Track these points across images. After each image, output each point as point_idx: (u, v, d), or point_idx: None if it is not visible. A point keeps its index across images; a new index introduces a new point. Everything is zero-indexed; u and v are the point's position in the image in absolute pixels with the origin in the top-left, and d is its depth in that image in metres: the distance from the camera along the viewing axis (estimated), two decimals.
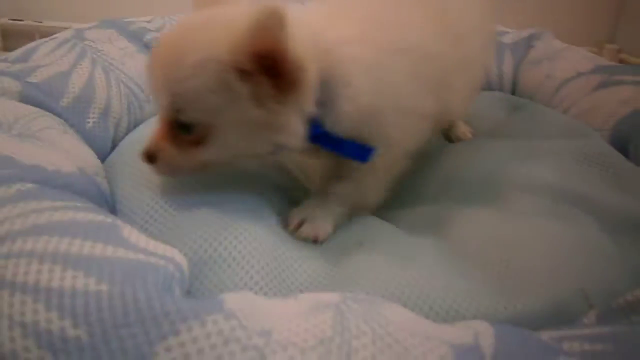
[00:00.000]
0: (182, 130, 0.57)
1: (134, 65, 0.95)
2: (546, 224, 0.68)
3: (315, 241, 0.63)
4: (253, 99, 0.55)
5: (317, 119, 0.61)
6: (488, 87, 1.25)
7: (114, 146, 0.83)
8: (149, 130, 0.63)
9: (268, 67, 0.53)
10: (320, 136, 0.62)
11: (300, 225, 0.63)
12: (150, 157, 0.59)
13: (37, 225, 0.42)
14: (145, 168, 0.63)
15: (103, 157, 0.79)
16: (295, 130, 0.58)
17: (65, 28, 1.65)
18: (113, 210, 0.65)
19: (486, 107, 1.12)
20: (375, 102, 0.62)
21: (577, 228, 0.68)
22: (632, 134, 0.89)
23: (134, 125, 0.90)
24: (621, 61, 1.83)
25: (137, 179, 0.68)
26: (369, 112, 0.62)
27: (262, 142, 0.58)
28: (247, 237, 0.58)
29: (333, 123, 0.62)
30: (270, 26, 0.49)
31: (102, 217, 0.47)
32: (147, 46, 1.04)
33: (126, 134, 0.87)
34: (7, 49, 1.67)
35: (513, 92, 1.24)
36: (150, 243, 0.47)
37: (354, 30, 0.63)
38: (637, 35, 1.80)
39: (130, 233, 0.47)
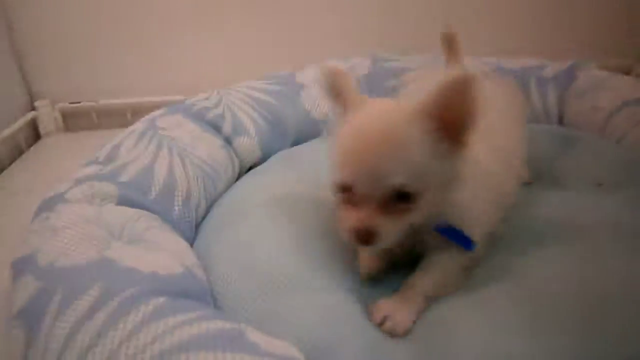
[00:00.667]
0: (399, 200, 0.63)
1: (204, 146, 1.03)
2: (628, 266, 0.71)
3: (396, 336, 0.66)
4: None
5: None
6: (536, 121, 1.27)
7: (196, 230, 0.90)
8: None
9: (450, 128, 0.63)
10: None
11: (383, 320, 0.66)
12: (370, 236, 0.63)
13: (182, 342, 0.48)
14: (241, 249, 0.73)
15: (190, 243, 0.86)
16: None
17: (119, 104, 1.77)
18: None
19: (539, 140, 1.14)
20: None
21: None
22: None
23: (210, 205, 0.97)
24: None
25: (232, 263, 0.75)
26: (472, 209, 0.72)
27: (442, 200, 0.67)
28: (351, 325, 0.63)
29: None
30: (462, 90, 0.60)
31: (229, 325, 0.53)
32: (209, 124, 1.12)
33: (204, 216, 0.94)
34: (69, 129, 1.78)
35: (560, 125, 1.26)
36: (271, 343, 0.52)
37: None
38: None
39: (256, 336, 0.52)
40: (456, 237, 0.71)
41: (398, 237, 0.65)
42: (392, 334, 0.65)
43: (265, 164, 1.13)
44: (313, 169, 1.06)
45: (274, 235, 0.79)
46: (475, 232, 0.72)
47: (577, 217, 0.84)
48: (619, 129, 1.08)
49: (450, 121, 0.62)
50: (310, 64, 1.41)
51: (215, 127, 1.12)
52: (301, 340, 0.60)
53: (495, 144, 0.80)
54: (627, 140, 1.05)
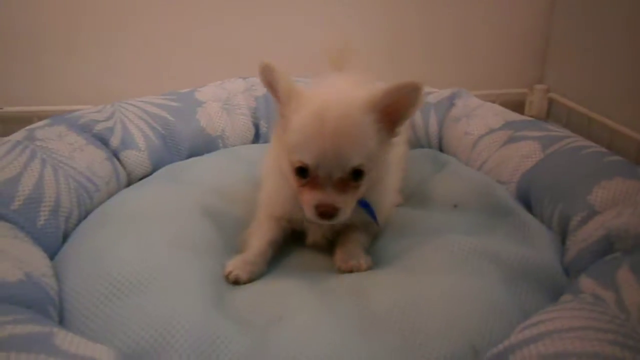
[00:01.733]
0: (354, 179, 0.77)
1: (84, 158, 1.04)
2: (453, 281, 0.78)
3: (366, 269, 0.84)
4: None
5: None
6: (418, 144, 1.37)
7: (65, 238, 0.91)
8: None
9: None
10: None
11: (355, 265, 0.83)
12: (334, 211, 0.76)
13: None
14: (97, 259, 0.77)
15: (55, 251, 0.87)
16: None
17: (24, 111, 1.73)
18: (61, 307, 0.73)
19: (417, 163, 1.24)
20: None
21: (480, 281, 0.78)
22: (532, 187, 1.00)
23: (85, 215, 0.99)
24: (551, 100, 1.98)
25: (87, 271, 0.77)
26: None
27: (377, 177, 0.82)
28: (183, 326, 0.66)
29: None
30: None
31: (39, 328, 0.55)
32: (96, 136, 1.13)
33: (77, 224, 0.95)
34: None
35: (440, 147, 1.35)
36: (81, 345, 0.55)
37: None
38: (563, 76, 1.96)
39: (64, 339, 0.55)
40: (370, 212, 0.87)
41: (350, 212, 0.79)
42: (367, 268, 0.83)
43: (150, 177, 1.16)
44: (195, 180, 1.11)
45: (129, 241, 0.82)
46: (384, 209, 0.91)
47: (424, 237, 0.91)
48: (483, 154, 1.18)
49: (392, 114, 0.78)
50: (211, 83, 1.45)
51: (101, 140, 1.14)
52: (133, 344, 0.64)
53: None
54: (488, 164, 1.15)
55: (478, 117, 1.26)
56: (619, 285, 0.65)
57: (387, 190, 0.93)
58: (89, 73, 1.74)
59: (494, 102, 1.41)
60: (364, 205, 0.86)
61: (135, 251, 0.80)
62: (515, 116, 1.25)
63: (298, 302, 0.76)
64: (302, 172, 0.78)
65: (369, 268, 0.85)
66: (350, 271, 0.84)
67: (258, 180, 0.99)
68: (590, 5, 1.73)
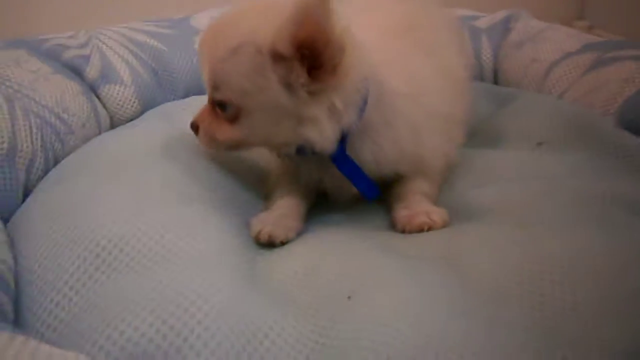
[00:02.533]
0: (219, 107, 0.62)
1: (50, 90, 0.78)
2: (588, 237, 0.53)
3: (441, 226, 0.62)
4: (285, 86, 0.57)
5: (345, 137, 0.62)
6: None
7: (26, 194, 0.67)
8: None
9: (307, 55, 0.56)
10: (338, 157, 0.63)
11: (427, 219, 0.62)
12: (194, 127, 0.66)
13: None
14: (71, 218, 0.54)
15: (11, 211, 0.63)
16: (324, 129, 0.59)
17: None
18: (17, 293, 0.49)
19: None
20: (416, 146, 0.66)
21: (630, 235, 0.54)
22: None
23: (54, 163, 0.73)
24: None
25: (56, 237, 0.53)
26: (411, 155, 0.67)
27: (288, 131, 0.60)
28: (205, 314, 0.43)
29: (368, 156, 0.64)
30: (315, 12, 0.52)
31: None
32: (67, 66, 0.87)
33: (43, 175, 0.70)
34: None
35: (495, 82, 1.11)
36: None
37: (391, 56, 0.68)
38: (606, 10, 1.72)
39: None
40: (363, 185, 0.65)
41: (226, 146, 0.65)
42: (443, 225, 0.62)
43: (138, 119, 0.90)
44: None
45: (116, 192, 0.58)
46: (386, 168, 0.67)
47: (516, 183, 0.68)
48: (561, 82, 0.94)
49: (306, 50, 0.55)
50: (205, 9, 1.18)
51: (74, 70, 0.88)
52: (129, 344, 0.40)
53: (443, 64, 0.74)
54: (570, 94, 0.91)
55: (548, 41, 1.01)
56: None
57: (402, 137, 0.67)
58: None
59: None
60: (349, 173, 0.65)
61: (125, 205, 0.56)
62: (592, 38, 1.00)
63: (366, 272, 0.52)
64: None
65: (446, 224, 0.62)
66: (420, 230, 0.61)
67: None
68: None
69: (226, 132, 0.63)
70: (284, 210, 0.64)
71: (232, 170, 0.71)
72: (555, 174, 0.69)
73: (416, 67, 0.70)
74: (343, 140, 0.62)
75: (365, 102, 0.61)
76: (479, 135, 0.89)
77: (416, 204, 0.65)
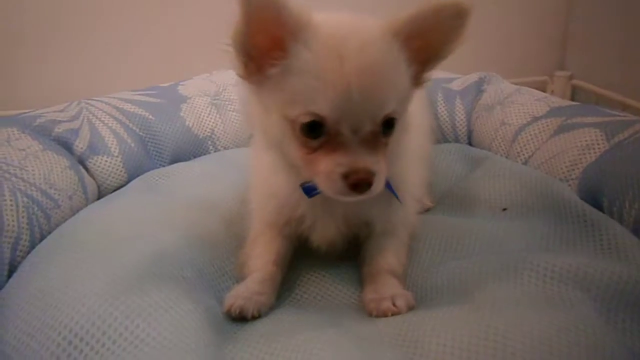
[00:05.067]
0: (384, 133, 0.57)
1: (39, 167, 0.83)
2: (533, 318, 0.55)
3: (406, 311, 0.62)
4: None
5: None
6: (444, 138, 1.16)
7: (12, 271, 0.70)
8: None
9: None
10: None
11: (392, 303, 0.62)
12: (369, 179, 0.55)
13: None
14: (48, 301, 0.56)
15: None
16: None
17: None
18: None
19: (445, 162, 1.04)
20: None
21: (569, 315, 0.56)
22: (603, 183, 0.80)
23: (40, 238, 0.77)
24: (574, 87, 1.80)
25: (35, 318, 0.56)
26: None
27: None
28: None
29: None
30: None
31: None
32: (57, 140, 0.92)
33: (29, 251, 0.74)
34: None
35: (470, 143, 1.15)
36: None
37: None
38: (587, 61, 1.77)
39: None
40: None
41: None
42: (409, 309, 0.61)
43: (122, 189, 0.95)
44: (178, 192, 0.90)
45: (92, 275, 0.61)
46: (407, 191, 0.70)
47: (476, 259, 0.71)
48: (528, 147, 0.98)
49: (424, 49, 0.58)
50: (196, 76, 1.24)
51: (63, 144, 0.93)
52: None
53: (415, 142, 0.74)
54: (535, 159, 0.95)
55: (516, 104, 1.06)
56: None
57: (408, 165, 0.72)
58: (54, 73, 1.49)
59: None
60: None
61: (99, 289, 0.59)
62: (560, 101, 1.05)
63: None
64: (313, 130, 0.55)
65: (411, 308, 0.63)
66: (386, 316, 0.62)
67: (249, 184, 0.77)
68: None
69: (385, 160, 0.58)
70: (256, 287, 0.65)
71: (201, 242, 0.74)
72: (514, 248, 0.71)
73: None
74: None
75: None
76: (450, 198, 0.93)
77: (384, 288, 0.65)
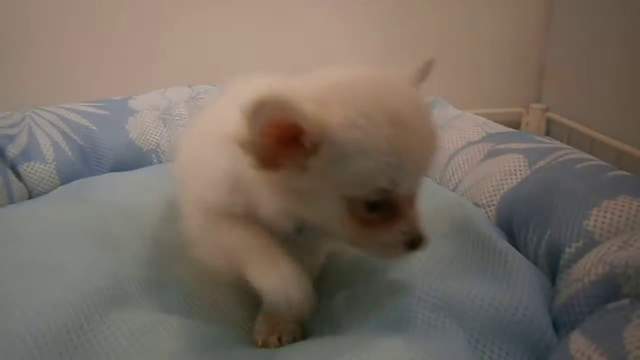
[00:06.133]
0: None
1: None
2: (396, 349, 0.54)
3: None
4: None
5: None
6: None
7: None
8: None
9: None
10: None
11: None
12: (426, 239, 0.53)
13: None
14: None
15: None
16: None
17: None
18: None
19: None
20: None
21: (436, 344, 0.55)
22: (514, 210, 0.78)
23: None
24: (549, 120, 1.79)
25: None
26: None
27: None
28: None
29: None
30: None
31: None
32: None
33: None
34: None
35: None
36: None
37: None
38: (561, 94, 1.77)
39: None
40: None
41: None
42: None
43: (49, 194, 0.95)
44: (101, 200, 0.90)
45: None
46: None
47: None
48: (459, 171, 0.97)
49: None
50: (152, 91, 1.27)
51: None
52: None
53: None
54: (464, 184, 0.94)
55: (455, 129, 1.05)
56: (627, 351, 0.42)
57: None
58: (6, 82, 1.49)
59: None
60: None
61: None
62: (500, 128, 1.04)
63: None
64: (376, 204, 0.51)
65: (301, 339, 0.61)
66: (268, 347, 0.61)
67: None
68: (587, 20, 1.55)
69: None
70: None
71: (115, 251, 0.74)
72: (411, 270, 0.69)
73: None
74: None
75: None
76: None
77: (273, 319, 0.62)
